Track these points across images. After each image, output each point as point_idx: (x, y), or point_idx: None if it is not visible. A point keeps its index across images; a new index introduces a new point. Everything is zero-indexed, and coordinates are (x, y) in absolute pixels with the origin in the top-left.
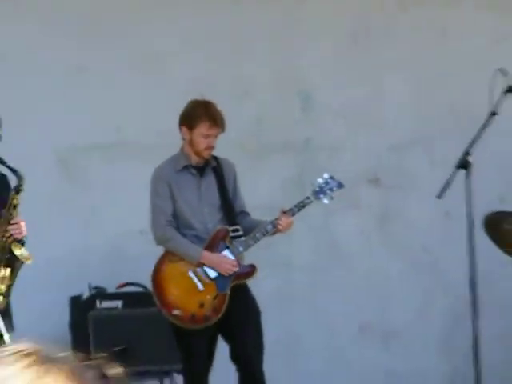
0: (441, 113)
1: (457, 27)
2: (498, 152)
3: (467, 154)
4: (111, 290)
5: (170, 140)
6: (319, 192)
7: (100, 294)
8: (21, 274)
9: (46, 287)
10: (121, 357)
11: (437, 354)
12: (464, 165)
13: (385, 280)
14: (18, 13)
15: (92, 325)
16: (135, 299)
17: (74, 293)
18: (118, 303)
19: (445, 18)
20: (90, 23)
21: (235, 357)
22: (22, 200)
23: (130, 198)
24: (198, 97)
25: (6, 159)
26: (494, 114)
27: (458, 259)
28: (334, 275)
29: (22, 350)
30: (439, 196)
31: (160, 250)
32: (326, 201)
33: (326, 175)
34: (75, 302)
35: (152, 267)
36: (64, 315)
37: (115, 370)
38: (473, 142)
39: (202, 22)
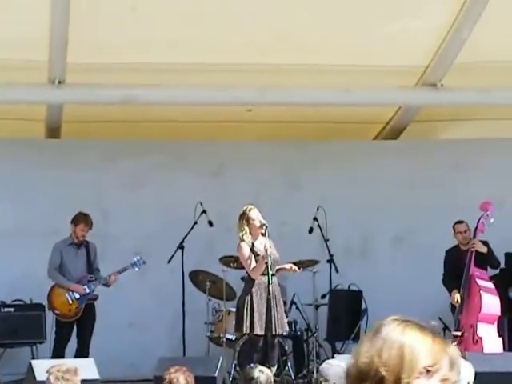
0: (173, 222)
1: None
2: (197, 239)
3: (182, 242)
4: (9, 302)
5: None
6: (134, 264)
7: (3, 304)
8: None
9: None
10: (12, 335)
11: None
12: (180, 247)
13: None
14: None
15: None
16: (21, 307)
17: None
18: (12, 309)
19: None
20: None
21: (78, 336)
22: None
23: (24, 261)
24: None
25: None
26: (195, 223)
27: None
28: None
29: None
30: (168, 261)
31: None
32: (136, 269)
33: (138, 256)
34: None
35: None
36: None
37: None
38: (184, 237)
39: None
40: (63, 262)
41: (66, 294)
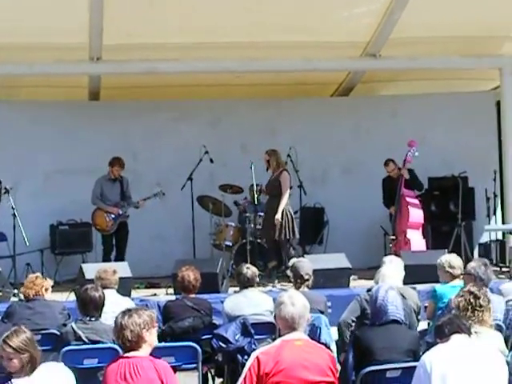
0: None
1: None
2: (202, 172)
3: (191, 175)
4: (64, 222)
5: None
6: (155, 195)
7: (60, 223)
8: None
9: None
10: (67, 246)
11: None
12: (190, 178)
13: None
14: None
15: None
16: (73, 225)
17: None
18: (67, 227)
19: None
20: None
21: (116, 245)
22: None
23: (75, 191)
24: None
25: None
26: (200, 160)
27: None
28: None
29: None
30: (181, 189)
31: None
32: (158, 199)
33: (159, 189)
34: None
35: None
36: None
37: None
38: (192, 171)
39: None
40: (103, 192)
41: (105, 214)
